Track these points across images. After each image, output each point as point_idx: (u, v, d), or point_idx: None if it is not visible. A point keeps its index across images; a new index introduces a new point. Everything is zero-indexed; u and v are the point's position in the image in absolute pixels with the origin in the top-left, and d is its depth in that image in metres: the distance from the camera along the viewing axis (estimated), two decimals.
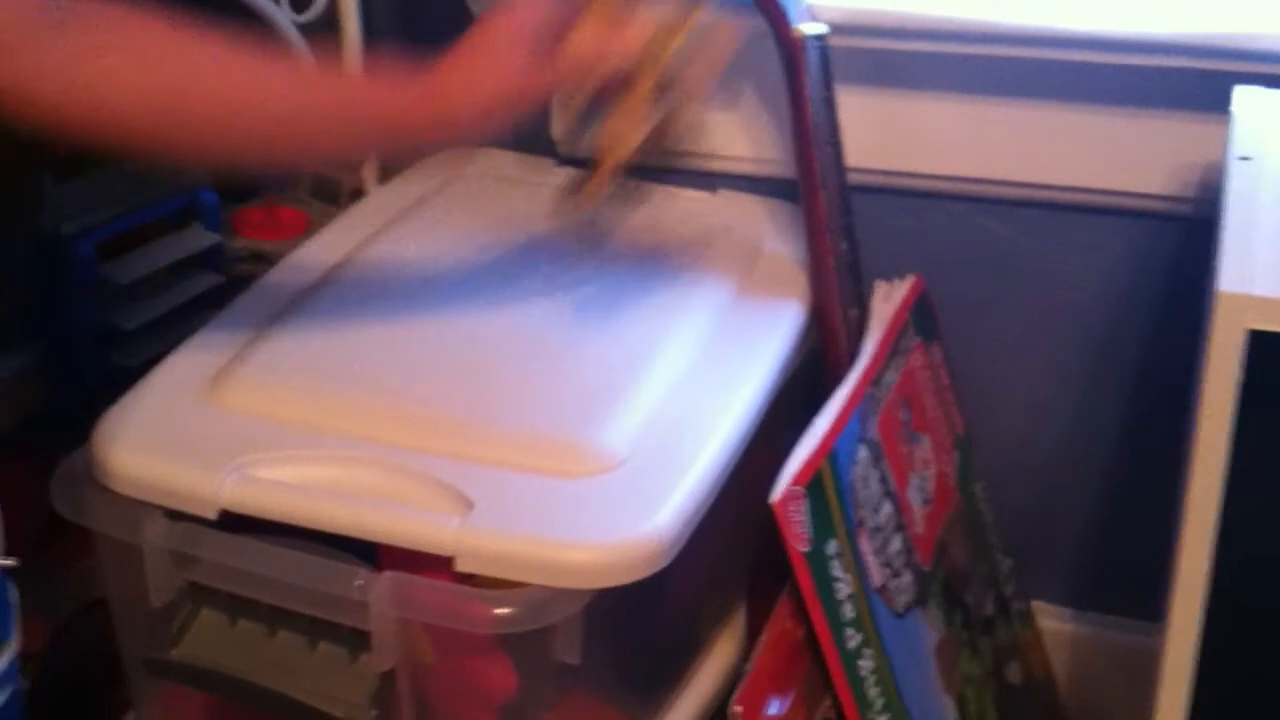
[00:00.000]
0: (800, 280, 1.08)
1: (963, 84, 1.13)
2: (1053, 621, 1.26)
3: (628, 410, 0.91)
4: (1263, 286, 0.71)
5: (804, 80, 1.03)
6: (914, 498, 1.06)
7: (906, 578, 1.02)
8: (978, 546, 1.17)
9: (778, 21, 1.01)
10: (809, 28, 1.03)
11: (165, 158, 0.86)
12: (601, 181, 0.91)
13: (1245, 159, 0.88)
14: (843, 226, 1.07)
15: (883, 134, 1.16)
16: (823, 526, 0.92)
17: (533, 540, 0.82)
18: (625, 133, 0.89)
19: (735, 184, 1.20)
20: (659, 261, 1.08)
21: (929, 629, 1.05)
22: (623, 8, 0.87)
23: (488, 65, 0.85)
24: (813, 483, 0.92)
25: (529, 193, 1.18)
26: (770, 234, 1.13)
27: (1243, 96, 0.97)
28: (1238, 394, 0.72)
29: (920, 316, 1.13)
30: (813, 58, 1.03)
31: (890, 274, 1.14)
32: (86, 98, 0.75)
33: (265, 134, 0.83)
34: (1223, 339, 0.71)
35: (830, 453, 0.94)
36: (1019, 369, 1.21)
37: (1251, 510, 0.75)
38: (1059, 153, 1.12)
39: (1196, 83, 1.04)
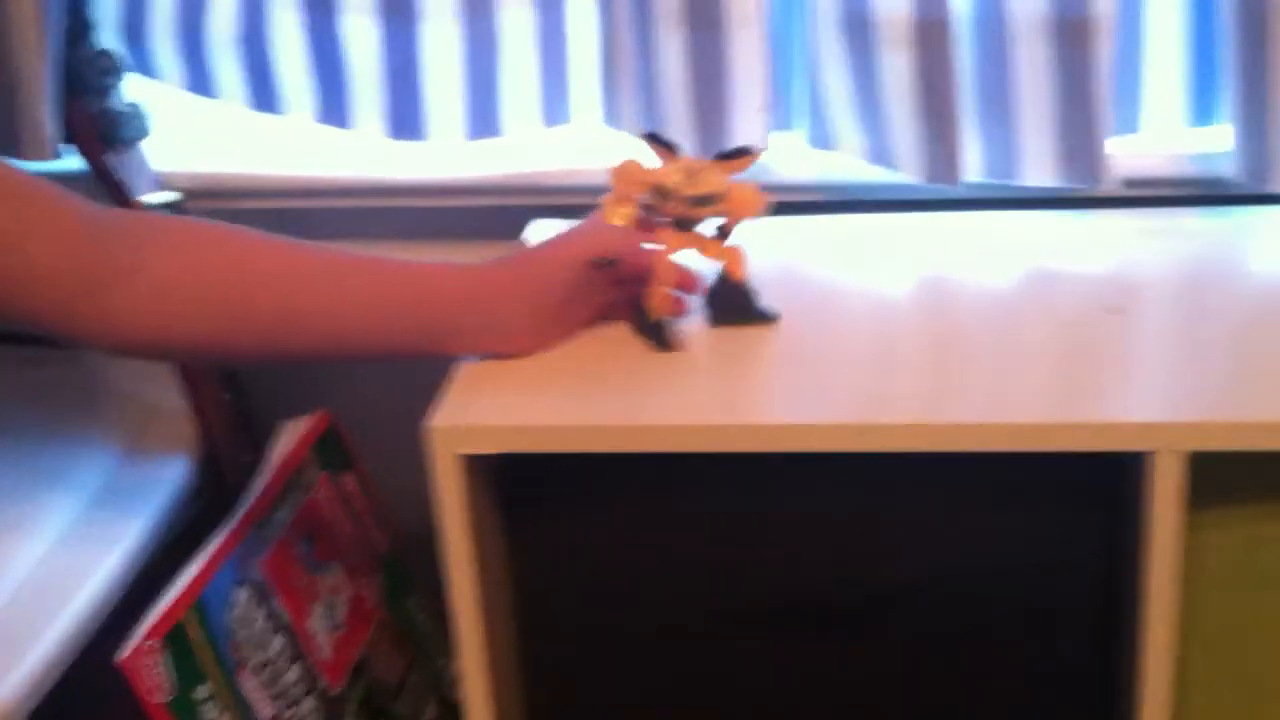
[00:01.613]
0: (190, 434, 1.13)
1: (348, 232, 1.23)
2: None
3: None
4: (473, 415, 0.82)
5: None
6: (318, 626, 1.12)
7: (308, 704, 1.08)
8: (417, 656, 1.25)
9: (118, 198, 1.07)
10: (156, 197, 1.09)
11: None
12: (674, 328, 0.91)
13: None
14: (224, 376, 1.13)
15: None
16: (189, 673, 0.97)
17: None
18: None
19: None
20: (42, 429, 1.11)
21: None
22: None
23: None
24: (173, 634, 0.97)
25: None
26: (167, 389, 1.18)
27: (536, 227, 1.11)
28: (466, 514, 0.82)
29: (327, 450, 1.20)
30: None
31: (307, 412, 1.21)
32: (156, 335, 0.81)
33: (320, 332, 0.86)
34: (442, 465, 0.81)
35: (196, 602, 1.00)
36: None
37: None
38: None
39: (503, 216, 1.16)
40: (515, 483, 0.90)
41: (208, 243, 0.82)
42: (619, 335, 0.92)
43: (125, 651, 0.94)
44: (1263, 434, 0.76)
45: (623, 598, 0.92)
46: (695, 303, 0.94)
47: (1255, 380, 0.82)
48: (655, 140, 0.90)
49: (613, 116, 1.13)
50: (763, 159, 1.11)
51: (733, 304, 0.91)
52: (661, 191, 0.87)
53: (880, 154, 1.08)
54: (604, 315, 0.93)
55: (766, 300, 0.94)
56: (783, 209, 1.13)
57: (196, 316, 0.81)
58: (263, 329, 0.83)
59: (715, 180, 0.87)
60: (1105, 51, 1.00)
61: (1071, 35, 1.00)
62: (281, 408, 1.20)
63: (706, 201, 0.87)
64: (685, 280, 0.93)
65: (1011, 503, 0.87)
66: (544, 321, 0.89)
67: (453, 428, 0.81)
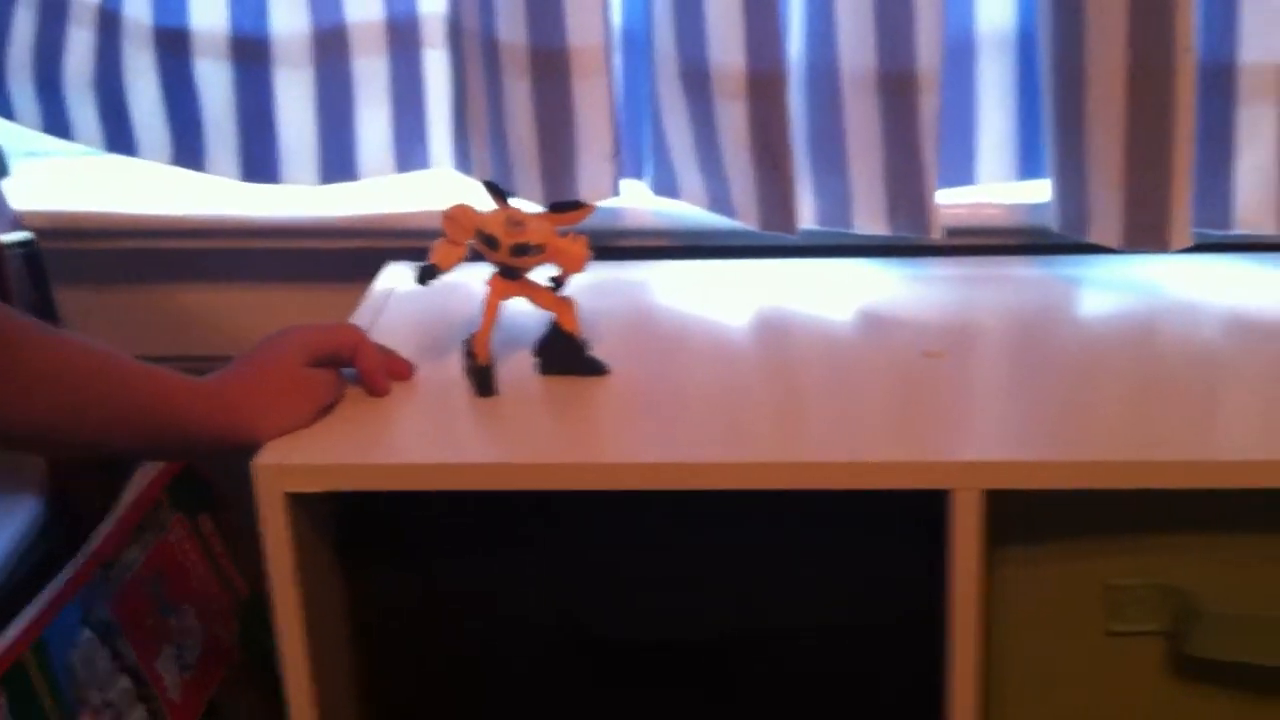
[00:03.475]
0: (41, 475, 1.13)
1: (208, 274, 1.24)
2: None
3: None
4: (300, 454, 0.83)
5: (8, 288, 1.09)
6: (167, 667, 1.12)
7: None
8: (274, 698, 1.25)
9: None
10: (8, 237, 1.10)
11: None
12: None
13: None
14: None
15: (154, 323, 1.26)
16: (28, 713, 0.97)
17: None
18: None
19: None
20: None
21: None
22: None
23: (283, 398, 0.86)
24: (12, 673, 0.97)
25: None
26: None
27: (392, 269, 1.14)
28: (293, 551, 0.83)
29: (184, 491, 1.21)
30: (16, 265, 1.10)
31: None
32: None
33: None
34: (268, 503, 0.82)
35: (36, 642, 1.00)
36: None
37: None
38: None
39: (358, 259, 1.17)
40: (354, 525, 0.92)
41: None
42: (450, 380, 0.94)
43: None
44: (1055, 474, 0.80)
45: (467, 638, 0.94)
46: (527, 350, 0.96)
47: (1056, 422, 0.86)
48: (492, 188, 0.92)
49: (463, 162, 1.15)
50: (610, 204, 1.14)
51: (563, 354, 0.94)
52: (486, 238, 0.89)
53: (719, 202, 1.11)
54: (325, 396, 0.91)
55: (605, 346, 0.96)
56: (627, 254, 1.16)
57: None
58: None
59: (537, 231, 0.89)
60: (930, 105, 1.05)
61: (898, 88, 1.05)
62: None
63: (525, 251, 0.89)
64: (394, 367, 0.94)
65: (852, 541, 0.90)
66: (265, 391, 0.88)
67: (279, 466, 0.82)
